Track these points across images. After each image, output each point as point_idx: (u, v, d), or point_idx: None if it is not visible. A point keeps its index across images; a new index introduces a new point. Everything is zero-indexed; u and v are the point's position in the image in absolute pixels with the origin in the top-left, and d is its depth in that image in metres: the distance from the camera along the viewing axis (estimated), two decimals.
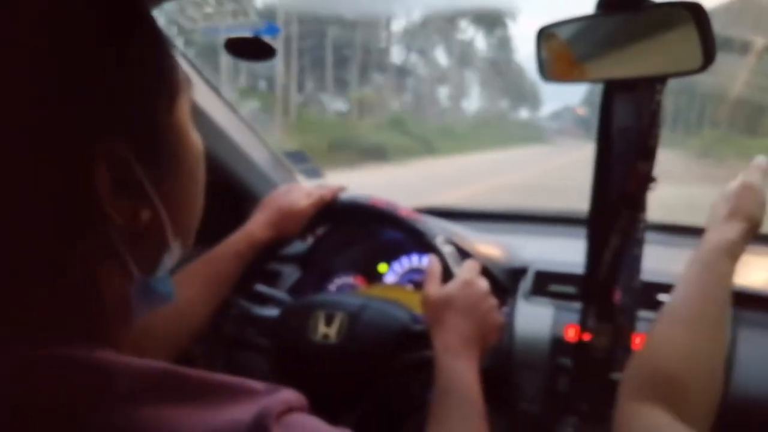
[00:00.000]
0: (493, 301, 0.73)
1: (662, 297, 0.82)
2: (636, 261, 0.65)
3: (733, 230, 0.60)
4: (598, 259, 0.65)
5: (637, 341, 0.68)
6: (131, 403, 0.31)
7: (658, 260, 0.71)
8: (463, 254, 0.83)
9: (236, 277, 0.80)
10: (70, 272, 0.35)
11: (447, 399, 0.62)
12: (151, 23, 0.38)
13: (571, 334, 0.81)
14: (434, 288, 0.72)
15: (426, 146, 16.46)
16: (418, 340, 0.74)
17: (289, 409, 0.34)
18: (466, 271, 0.74)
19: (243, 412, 0.32)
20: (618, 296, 0.66)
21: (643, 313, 0.68)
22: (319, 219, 0.89)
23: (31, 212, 0.32)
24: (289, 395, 0.35)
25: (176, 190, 0.39)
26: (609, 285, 0.65)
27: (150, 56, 0.37)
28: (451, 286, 0.72)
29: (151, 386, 0.32)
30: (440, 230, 0.85)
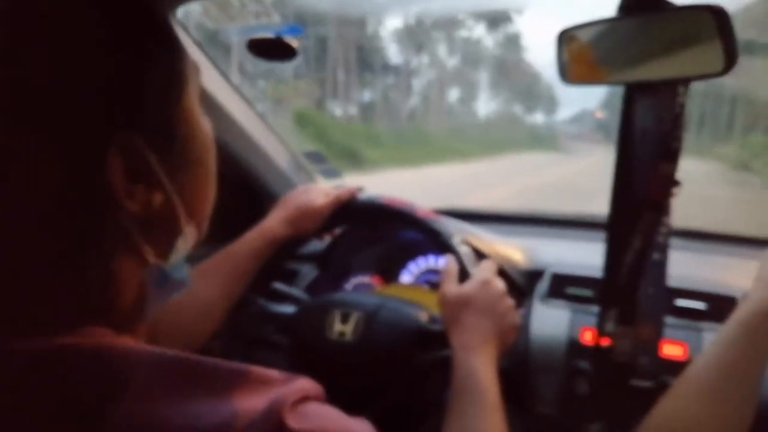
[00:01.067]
0: (510, 301, 0.73)
1: (681, 302, 0.81)
2: (660, 265, 0.64)
3: None
4: (617, 262, 0.65)
5: (668, 349, 0.67)
6: (147, 390, 0.32)
7: (680, 265, 0.71)
8: (480, 255, 0.83)
9: (253, 273, 0.81)
10: (86, 261, 0.35)
11: (465, 397, 0.63)
12: (162, 19, 0.39)
13: (587, 337, 0.81)
14: (452, 287, 0.73)
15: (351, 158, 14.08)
16: (435, 339, 0.75)
17: (305, 398, 0.34)
18: (483, 271, 0.75)
19: (257, 400, 0.33)
20: (640, 300, 0.65)
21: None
22: (337, 219, 0.89)
23: (47, 202, 0.33)
24: (304, 384, 0.35)
25: (188, 175, 0.40)
26: (630, 288, 0.64)
27: (160, 48, 0.38)
28: (469, 286, 0.72)
29: (167, 374, 0.33)
30: (457, 231, 0.85)
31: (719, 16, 0.55)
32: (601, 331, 0.66)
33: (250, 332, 0.86)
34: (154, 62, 0.37)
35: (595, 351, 0.67)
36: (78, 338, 0.33)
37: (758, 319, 0.51)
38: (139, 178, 0.35)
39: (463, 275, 0.75)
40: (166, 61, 0.38)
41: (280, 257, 0.87)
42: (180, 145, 0.39)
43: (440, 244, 0.82)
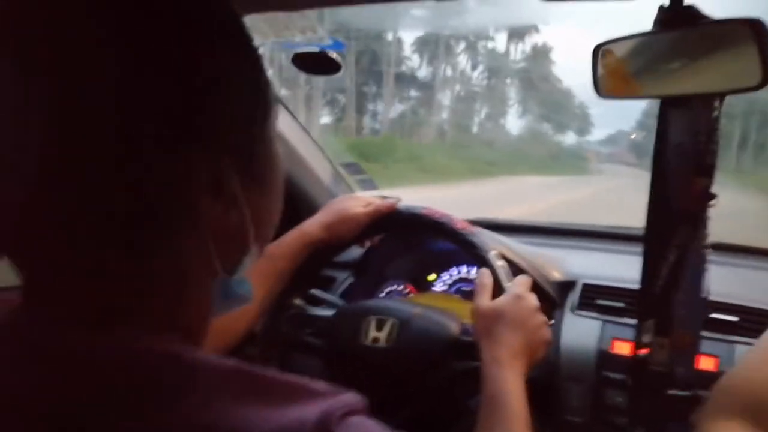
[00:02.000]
0: (542, 317, 0.73)
1: (714, 315, 0.80)
2: (698, 277, 0.64)
3: None
4: (654, 274, 0.65)
5: (701, 362, 0.66)
6: (207, 398, 0.33)
7: (713, 279, 0.71)
8: (515, 269, 0.84)
9: (289, 273, 0.83)
10: (161, 267, 0.37)
11: (493, 409, 0.64)
12: (251, 42, 0.40)
13: (618, 347, 0.81)
14: (485, 301, 0.74)
15: None
16: (466, 350, 0.76)
17: (351, 411, 0.35)
18: (517, 286, 0.75)
19: (308, 412, 0.33)
20: (676, 311, 0.65)
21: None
22: (375, 227, 0.92)
23: (130, 208, 0.34)
24: (350, 398, 0.36)
25: (262, 199, 0.41)
26: (666, 300, 0.64)
27: (250, 73, 0.39)
28: (502, 300, 0.73)
29: (226, 383, 0.34)
30: (493, 244, 0.86)
31: (758, 28, 0.56)
32: (638, 342, 0.66)
33: (289, 334, 0.89)
34: (245, 85, 0.39)
35: (633, 361, 0.67)
36: (141, 341, 0.34)
37: None
38: (222, 196, 0.37)
39: (498, 289, 0.76)
40: (255, 84, 0.40)
41: (318, 263, 0.89)
42: (260, 170, 0.41)
43: (476, 257, 0.83)
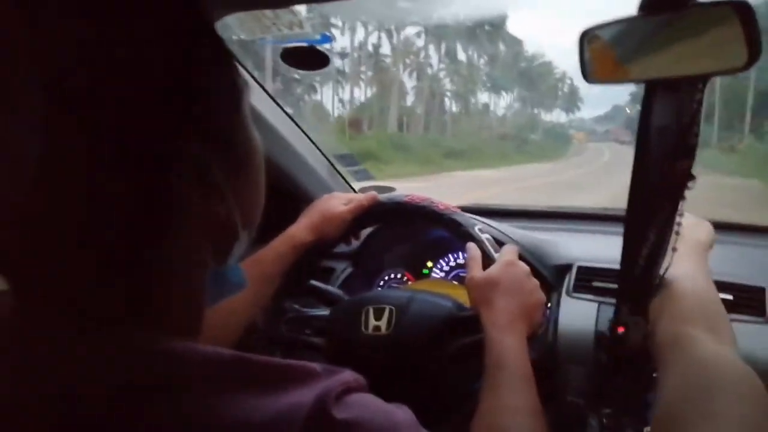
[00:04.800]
0: (534, 281, 0.76)
1: None
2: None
3: None
4: (634, 255, 0.66)
5: None
6: (204, 390, 0.33)
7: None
8: (500, 243, 0.86)
9: (279, 277, 0.85)
10: (150, 263, 0.37)
11: (498, 373, 0.65)
12: (215, 33, 0.41)
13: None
14: (478, 272, 0.76)
15: None
16: (466, 324, 0.78)
17: (348, 389, 0.36)
18: (505, 255, 0.78)
19: (304, 394, 0.34)
20: (655, 291, 0.66)
21: None
22: (361, 222, 0.94)
23: (115, 206, 0.34)
24: (347, 376, 0.37)
25: (244, 184, 0.42)
26: (644, 280, 0.65)
27: (218, 62, 0.40)
28: (494, 268, 0.76)
29: (222, 373, 0.35)
30: (479, 222, 0.88)
31: (743, 10, 0.56)
32: (617, 322, 0.67)
33: (288, 337, 0.91)
34: (216, 73, 0.39)
35: (611, 340, 0.68)
36: (135, 337, 0.35)
37: None
38: (204, 187, 0.37)
39: (487, 261, 0.79)
40: (225, 73, 0.40)
41: (310, 262, 0.91)
42: (239, 155, 0.41)
43: (462, 234, 0.85)
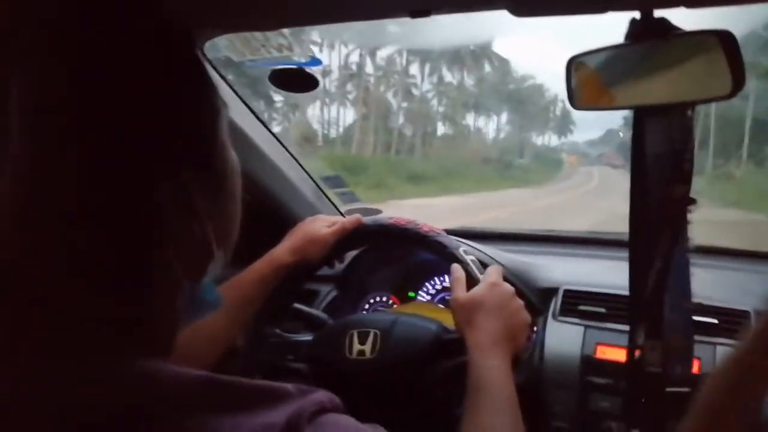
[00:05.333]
0: (519, 301, 0.76)
1: (696, 318, 0.82)
2: (683, 279, 0.66)
3: None
4: (641, 280, 0.66)
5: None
6: (177, 410, 0.33)
7: (695, 282, 0.72)
8: (484, 265, 0.85)
9: (261, 301, 0.84)
10: (126, 283, 0.37)
11: (480, 395, 0.65)
12: (195, 54, 0.41)
13: (602, 352, 0.82)
14: (462, 293, 0.76)
15: None
16: (451, 347, 0.77)
17: (322, 410, 0.36)
18: (490, 275, 0.78)
19: (276, 414, 0.34)
20: (666, 314, 0.66)
21: None
22: (344, 245, 0.92)
23: (92, 227, 0.34)
24: (320, 396, 0.37)
25: (221, 203, 0.42)
26: (655, 304, 0.66)
27: (197, 82, 0.40)
28: (479, 289, 0.75)
29: (195, 394, 0.34)
30: (463, 244, 0.88)
31: (727, 40, 0.57)
32: (632, 345, 0.68)
33: (271, 363, 0.89)
34: (193, 96, 0.39)
35: (627, 363, 0.68)
36: (111, 358, 0.34)
37: None
38: (181, 207, 0.37)
39: (472, 282, 0.78)
40: (202, 95, 0.40)
41: (293, 284, 0.90)
42: (216, 174, 0.41)
43: (447, 255, 0.84)
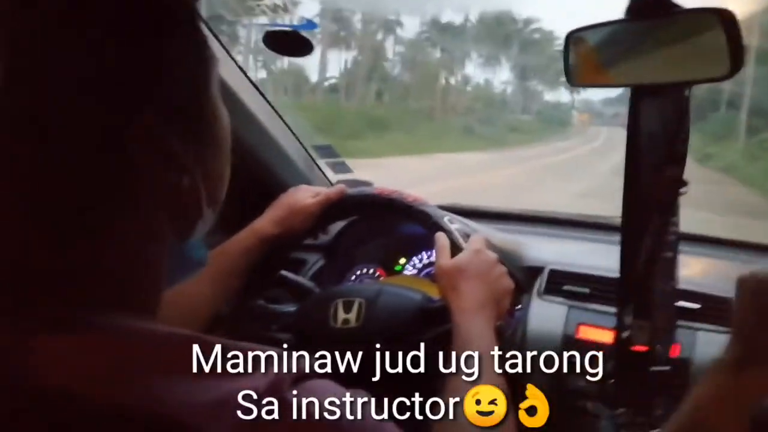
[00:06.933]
0: (502, 267, 0.77)
1: (679, 303, 0.82)
2: (670, 263, 0.66)
3: None
4: (631, 261, 0.67)
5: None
6: (156, 370, 0.32)
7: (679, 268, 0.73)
8: (468, 235, 0.86)
9: (244, 271, 0.83)
10: (110, 239, 0.36)
11: (464, 356, 0.64)
12: (187, 3, 0.40)
13: (583, 333, 0.83)
14: (445, 259, 0.77)
15: None
16: (435, 316, 0.78)
17: (304, 375, 0.36)
18: (474, 243, 0.79)
19: (259, 378, 0.34)
20: (654, 295, 0.67)
21: None
22: (329, 216, 0.92)
23: (73, 180, 0.34)
24: (303, 361, 0.37)
25: (210, 160, 0.41)
26: (644, 285, 0.67)
27: (185, 32, 0.39)
28: (462, 255, 0.76)
29: (175, 354, 0.34)
30: (448, 214, 0.88)
31: (727, 19, 0.56)
32: (621, 328, 0.68)
33: (255, 334, 0.88)
34: (182, 46, 0.38)
35: (615, 342, 0.69)
36: (91, 315, 0.34)
37: None
38: (167, 161, 0.36)
39: (455, 250, 0.79)
40: (193, 46, 0.39)
41: (278, 258, 0.89)
42: (204, 131, 0.40)
43: (431, 225, 0.84)
